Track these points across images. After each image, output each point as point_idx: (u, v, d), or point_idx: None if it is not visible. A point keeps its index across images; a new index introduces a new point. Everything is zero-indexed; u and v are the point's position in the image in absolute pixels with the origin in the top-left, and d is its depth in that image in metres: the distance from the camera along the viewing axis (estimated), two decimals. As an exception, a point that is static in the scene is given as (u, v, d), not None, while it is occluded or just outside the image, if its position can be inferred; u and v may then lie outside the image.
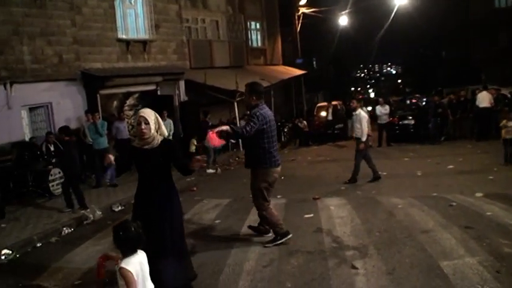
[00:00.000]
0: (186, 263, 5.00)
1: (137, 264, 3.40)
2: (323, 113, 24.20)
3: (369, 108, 23.88)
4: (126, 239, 3.39)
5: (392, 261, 5.40)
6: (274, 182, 6.58)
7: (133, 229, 3.44)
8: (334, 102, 25.38)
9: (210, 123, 15.99)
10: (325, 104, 26.22)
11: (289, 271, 5.44)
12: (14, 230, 8.23)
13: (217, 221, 7.99)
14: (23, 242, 7.58)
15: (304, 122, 22.73)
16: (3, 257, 6.95)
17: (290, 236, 6.43)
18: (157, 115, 4.87)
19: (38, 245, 7.70)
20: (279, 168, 6.57)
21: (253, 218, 7.91)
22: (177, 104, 17.38)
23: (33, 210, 9.68)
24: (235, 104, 18.85)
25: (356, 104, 11.14)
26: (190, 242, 6.19)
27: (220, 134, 5.81)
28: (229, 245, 6.51)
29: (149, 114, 4.74)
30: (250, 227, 6.99)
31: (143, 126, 4.66)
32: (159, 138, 4.78)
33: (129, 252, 3.41)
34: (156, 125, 4.76)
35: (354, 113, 11.08)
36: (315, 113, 25.40)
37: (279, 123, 23.77)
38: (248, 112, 6.96)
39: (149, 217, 4.60)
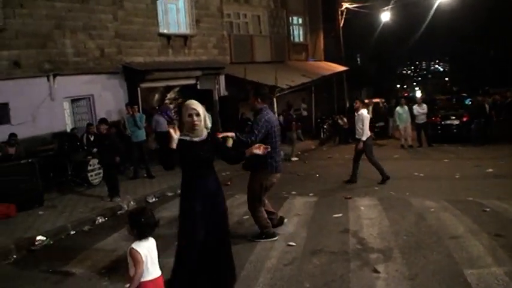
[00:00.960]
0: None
1: (146, 248, 3.62)
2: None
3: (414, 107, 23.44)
4: (143, 223, 3.62)
5: (415, 267, 5.32)
6: (272, 186, 6.67)
7: (149, 215, 3.67)
8: (375, 100, 24.99)
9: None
10: (367, 101, 25.86)
11: (310, 271, 5.44)
12: (50, 217, 8.55)
13: (245, 217, 8.03)
14: (58, 229, 7.88)
15: (345, 119, 22.47)
16: (37, 243, 7.25)
17: (276, 237, 6.62)
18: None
19: (72, 232, 7.99)
20: (278, 175, 6.62)
21: (282, 216, 7.97)
22: (216, 98, 17.52)
23: (70, 199, 10.00)
24: (275, 99, 18.84)
25: (359, 104, 10.95)
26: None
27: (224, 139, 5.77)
28: (253, 243, 6.56)
29: (198, 106, 4.70)
30: None
31: (195, 118, 4.63)
32: (205, 130, 4.82)
33: (143, 236, 3.64)
34: (204, 117, 4.76)
35: (356, 113, 10.90)
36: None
37: (318, 120, 23.65)
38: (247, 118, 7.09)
39: (204, 208, 4.67)
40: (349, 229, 6.97)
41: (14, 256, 6.86)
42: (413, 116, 17.57)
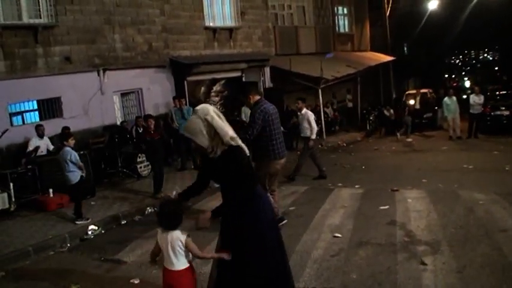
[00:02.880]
0: None
1: (164, 239, 3.70)
2: (411, 101, 23.45)
3: (464, 97, 22.85)
4: (160, 215, 3.74)
5: (463, 260, 5.25)
6: (277, 172, 6.84)
7: (166, 210, 3.73)
8: (423, 90, 24.49)
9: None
10: (414, 91, 25.39)
11: (356, 262, 5.45)
12: (101, 208, 8.86)
13: (291, 208, 8.10)
14: (109, 219, 8.18)
15: (391, 110, 22.14)
16: (89, 232, 7.55)
17: (285, 221, 6.88)
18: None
19: (123, 222, 8.27)
20: (281, 160, 6.72)
21: (327, 207, 8.02)
22: (261, 90, 17.57)
23: (121, 190, 10.30)
24: (320, 91, 18.77)
25: (301, 104, 10.83)
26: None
27: None
28: (300, 232, 6.64)
29: (195, 131, 3.73)
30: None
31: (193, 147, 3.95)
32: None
33: (162, 226, 3.73)
34: (213, 133, 3.75)
35: (299, 113, 10.87)
36: (403, 101, 24.65)
37: (364, 111, 23.38)
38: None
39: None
40: (396, 221, 6.92)
41: (68, 244, 7.16)
42: (467, 106, 17.07)
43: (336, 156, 14.72)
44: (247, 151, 3.87)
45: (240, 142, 3.79)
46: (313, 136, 10.60)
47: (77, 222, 7.85)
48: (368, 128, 22.06)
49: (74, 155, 7.87)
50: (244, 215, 3.74)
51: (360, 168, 11.99)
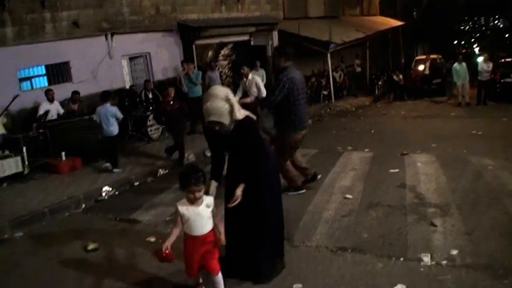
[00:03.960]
0: None
1: (186, 207, 3.77)
2: (420, 67, 23.28)
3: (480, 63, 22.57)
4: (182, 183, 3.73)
5: (472, 222, 5.32)
6: (298, 144, 6.72)
7: (187, 173, 3.73)
8: (432, 56, 24.26)
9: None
10: (423, 57, 25.16)
11: (367, 223, 5.55)
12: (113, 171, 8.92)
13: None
14: (122, 181, 8.29)
15: (400, 75, 22.01)
16: (104, 194, 7.67)
17: (303, 191, 6.82)
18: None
19: (136, 184, 8.39)
20: (304, 131, 6.63)
21: (338, 170, 8.09)
22: (270, 54, 17.47)
23: (132, 153, 10.36)
24: (328, 55, 18.65)
25: (247, 70, 10.03)
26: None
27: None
28: (311, 194, 6.73)
29: (221, 111, 3.99)
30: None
31: (216, 127, 4.10)
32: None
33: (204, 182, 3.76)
34: (231, 111, 4.06)
35: (245, 79, 10.03)
36: (412, 67, 24.47)
37: (373, 76, 23.24)
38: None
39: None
40: (406, 184, 6.99)
41: (83, 205, 7.29)
42: (475, 73, 16.93)
43: (345, 120, 14.72)
44: (253, 116, 4.29)
45: (244, 111, 4.18)
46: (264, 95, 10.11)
47: (114, 170, 8.78)
48: (376, 92, 21.98)
49: (117, 112, 9.04)
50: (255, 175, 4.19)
51: (369, 133, 12.01)
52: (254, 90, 10.17)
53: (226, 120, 4.01)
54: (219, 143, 4.33)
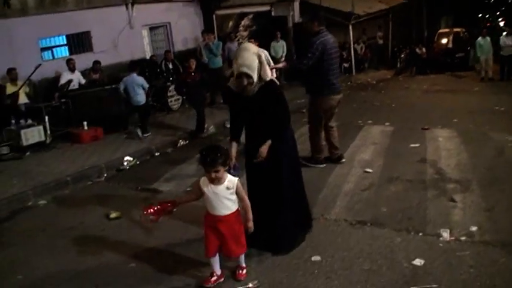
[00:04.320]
0: None
1: (207, 185, 3.75)
2: (444, 40, 22.84)
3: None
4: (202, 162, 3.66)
5: (492, 199, 5.28)
6: (334, 107, 6.65)
7: (207, 155, 3.64)
8: (456, 29, 23.75)
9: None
10: (447, 30, 24.65)
11: (387, 196, 5.56)
12: (134, 140, 9.06)
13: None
14: (143, 151, 8.39)
15: (423, 48, 21.63)
16: (125, 163, 7.78)
17: (323, 165, 6.75)
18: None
19: (156, 154, 8.48)
20: (338, 96, 6.59)
21: (358, 143, 8.07)
22: (290, 25, 17.29)
23: (153, 123, 10.38)
24: (350, 26, 18.37)
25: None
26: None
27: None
28: (331, 167, 6.74)
29: (252, 65, 4.03)
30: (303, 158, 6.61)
31: (244, 82, 4.08)
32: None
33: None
34: (259, 69, 4.12)
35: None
36: (435, 40, 24.01)
37: (395, 49, 22.87)
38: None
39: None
40: (427, 159, 6.94)
41: (105, 174, 7.41)
42: (498, 47, 16.52)
43: (365, 93, 14.57)
44: (278, 82, 4.34)
45: (270, 75, 4.23)
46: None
47: (144, 135, 9.21)
48: (398, 66, 21.67)
49: (144, 82, 9.37)
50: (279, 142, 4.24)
51: (389, 106, 11.89)
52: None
53: (255, 75, 4.02)
54: (239, 107, 4.35)
